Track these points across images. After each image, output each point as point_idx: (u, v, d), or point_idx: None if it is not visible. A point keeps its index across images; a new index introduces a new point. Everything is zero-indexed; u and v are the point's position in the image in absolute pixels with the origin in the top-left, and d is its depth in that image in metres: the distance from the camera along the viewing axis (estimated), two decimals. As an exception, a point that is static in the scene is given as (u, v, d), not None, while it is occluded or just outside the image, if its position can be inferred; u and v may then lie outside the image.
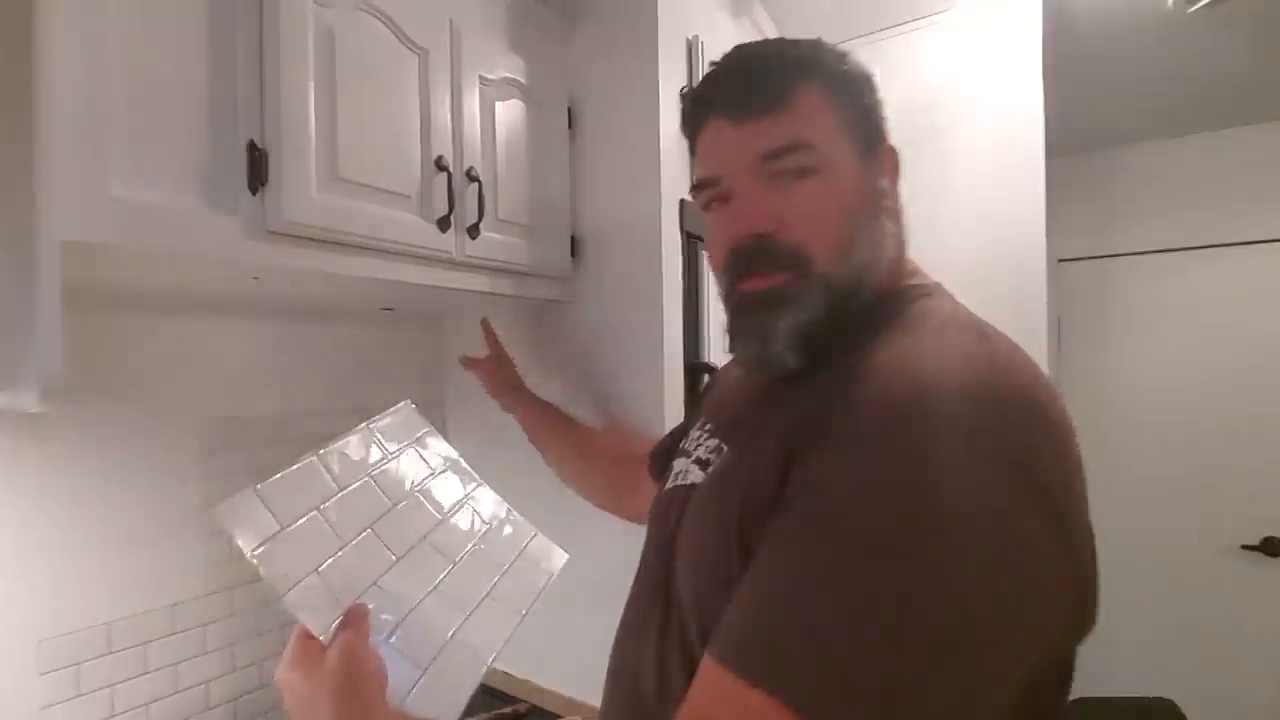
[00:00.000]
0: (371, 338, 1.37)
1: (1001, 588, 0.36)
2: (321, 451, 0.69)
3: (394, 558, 0.66)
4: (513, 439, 1.38)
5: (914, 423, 0.39)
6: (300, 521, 0.61)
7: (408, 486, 0.74)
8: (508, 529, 0.79)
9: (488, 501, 0.81)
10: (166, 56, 0.69)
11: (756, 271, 0.51)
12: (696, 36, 1.21)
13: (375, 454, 0.74)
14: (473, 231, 1.00)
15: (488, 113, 1.05)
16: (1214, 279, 2.20)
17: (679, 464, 0.64)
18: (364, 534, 0.65)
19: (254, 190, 0.74)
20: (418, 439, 0.80)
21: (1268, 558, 2.08)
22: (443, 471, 0.79)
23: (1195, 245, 2.23)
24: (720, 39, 1.32)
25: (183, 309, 1.05)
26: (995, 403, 0.40)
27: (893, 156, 0.56)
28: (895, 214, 0.56)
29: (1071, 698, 0.45)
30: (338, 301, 1.21)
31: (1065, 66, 1.64)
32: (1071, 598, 0.40)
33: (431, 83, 0.95)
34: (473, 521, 0.77)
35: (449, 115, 0.98)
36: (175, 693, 1.02)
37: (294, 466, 0.65)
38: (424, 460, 0.78)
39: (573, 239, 1.22)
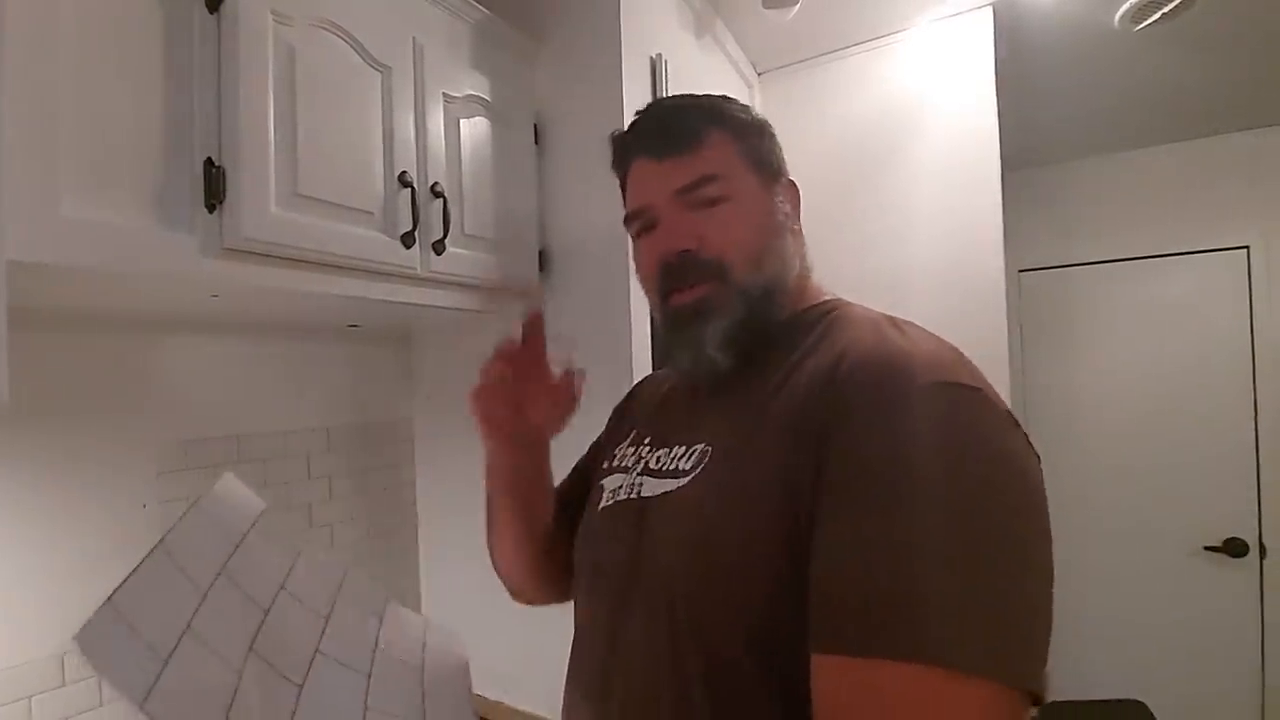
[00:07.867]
0: (337, 355, 1.35)
1: (1045, 512, 0.43)
2: (163, 540, 0.49)
3: (295, 685, 0.49)
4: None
5: (941, 390, 0.44)
6: (177, 649, 0.43)
7: (270, 583, 0.55)
8: (399, 616, 0.63)
9: (360, 586, 0.64)
10: (120, 74, 0.68)
11: (685, 285, 0.58)
12: (660, 55, 1.23)
13: (218, 543, 0.54)
14: (438, 247, 1.00)
15: (453, 129, 1.06)
16: (1169, 286, 2.27)
17: (613, 481, 0.64)
18: (249, 657, 0.48)
19: (211, 208, 0.74)
20: (258, 518, 0.59)
21: (1231, 558, 2.13)
22: (300, 555, 0.61)
23: (1151, 254, 2.30)
24: (683, 57, 1.34)
25: (140, 327, 1.03)
26: (970, 369, 0.47)
27: (793, 189, 0.64)
28: (798, 236, 0.64)
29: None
30: (301, 318, 1.19)
31: (1021, 84, 1.69)
32: None
33: (394, 100, 0.95)
34: (361, 617, 0.60)
35: (413, 132, 0.98)
36: (132, 725, 0.99)
37: (143, 562, 0.46)
38: (273, 545, 0.59)
39: (541, 253, 1.23)
